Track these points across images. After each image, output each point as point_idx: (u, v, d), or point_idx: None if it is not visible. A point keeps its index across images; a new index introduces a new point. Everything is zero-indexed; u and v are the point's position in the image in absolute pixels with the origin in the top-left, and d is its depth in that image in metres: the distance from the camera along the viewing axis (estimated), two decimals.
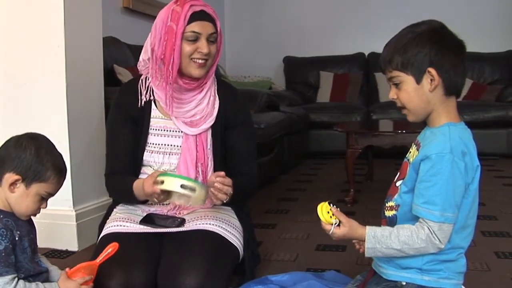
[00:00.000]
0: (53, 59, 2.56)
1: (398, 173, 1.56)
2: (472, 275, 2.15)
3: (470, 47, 5.44)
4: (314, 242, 2.69)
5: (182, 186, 1.69)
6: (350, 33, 6.76)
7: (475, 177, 1.45)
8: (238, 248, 1.95)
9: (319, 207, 1.52)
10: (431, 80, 1.42)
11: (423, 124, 1.54)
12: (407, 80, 1.45)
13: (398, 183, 1.53)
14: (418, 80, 1.44)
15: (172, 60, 1.88)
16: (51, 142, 1.63)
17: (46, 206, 1.62)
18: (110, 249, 1.65)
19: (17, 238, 1.54)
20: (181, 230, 1.90)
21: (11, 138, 1.58)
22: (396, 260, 1.49)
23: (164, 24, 1.89)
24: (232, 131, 2.08)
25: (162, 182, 1.72)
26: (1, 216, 1.54)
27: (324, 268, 2.23)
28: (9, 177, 1.53)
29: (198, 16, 1.88)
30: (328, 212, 1.51)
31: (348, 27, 6.78)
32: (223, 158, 2.08)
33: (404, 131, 3.52)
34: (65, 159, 1.64)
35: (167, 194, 1.77)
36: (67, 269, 1.63)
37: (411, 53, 1.43)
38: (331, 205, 1.53)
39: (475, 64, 6.23)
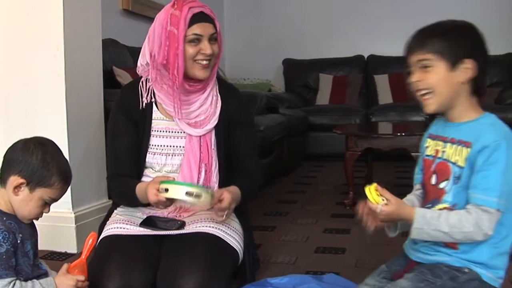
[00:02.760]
0: (52, 61, 2.56)
1: (435, 175, 1.54)
2: None
3: None
4: (313, 245, 2.69)
5: (187, 193, 1.69)
6: (350, 36, 6.76)
7: None
8: (238, 251, 1.95)
9: (367, 188, 1.47)
10: (466, 71, 1.42)
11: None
12: (439, 65, 1.44)
13: (442, 185, 1.51)
14: (452, 68, 1.43)
15: (177, 65, 1.88)
16: (58, 148, 1.63)
17: (49, 211, 1.62)
18: (90, 240, 1.67)
19: (19, 241, 1.54)
20: (181, 232, 1.90)
21: (19, 141, 1.59)
22: (461, 254, 1.46)
23: (164, 29, 1.88)
24: (234, 131, 2.08)
25: (166, 190, 1.72)
26: (4, 219, 1.54)
27: (324, 270, 2.23)
28: (14, 180, 1.54)
29: (198, 18, 1.88)
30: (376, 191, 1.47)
31: (348, 30, 6.78)
32: (227, 158, 2.08)
33: (403, 134, 3.52)
34: None
35: (172, 200, 1.77)
36: (65, 265, 1.64)
37: (452, 41, 1.43)
38: (379, 186, 1.48)
39: None
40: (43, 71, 2.59)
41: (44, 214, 1.62)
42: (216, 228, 1.92)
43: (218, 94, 2.07)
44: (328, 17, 6.83)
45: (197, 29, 1.88)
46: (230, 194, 1.83)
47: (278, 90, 6.59)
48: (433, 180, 1.54)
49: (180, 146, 2.01)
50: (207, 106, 2.02)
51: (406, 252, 1.61)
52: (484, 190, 1.39)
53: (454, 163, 1.48)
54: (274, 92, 6.24)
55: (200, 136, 2.00)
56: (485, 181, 1.39)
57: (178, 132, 2.01)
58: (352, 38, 6.74)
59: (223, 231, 1.93)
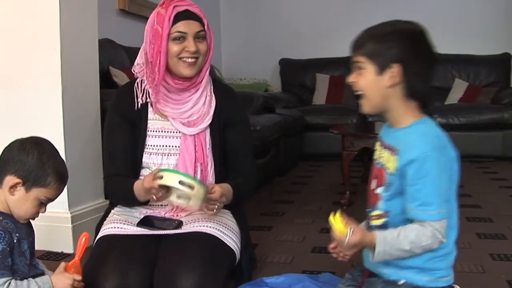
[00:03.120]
0: (48, 60, 2.56)
1: (375, 180, 1.55)
2: (467, 277, 2.16)
3: (466, 50, 5.52)
4: (309, 245, 2.69)
5: (180, 182, 1.70)
6: (346, 36, 6.67)
7: (455, 167, 1.46)
8: (235, 250, 1.95)
9: (331, 218, 1.46)
10: (393, 76, 1.43)
11: None
12: (369, 69, 1.45)
13: (378, 191, 1.52)
14: (380, 72, 1.44)
15: (158, 62, 1.90)
16: (55, 148, 1.63)
17: (45, 210, 1.62)
18: (84, 238, 1.67)
19: (15, 241, 1.54)
20: (178, 232, 1.91)
21: (15, 141, 1.59)
22: (396, 262, 1.48)
23: (151, 28, 1.92)
24: (229, 130, 2.09)
25: (162, 177, 1.73)
26: (1, 218, 1.54)
27: (320, 270, 2.23)
28: (10, 179, 1.54)
29: (183, 16, 1.90)
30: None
31: (344, 29, 6.75)
32: (223, 157, 2.09)
33: None
34: None
35: (166, 191, 1.77)
36: (62, 263, 1.65)
37: (383, 45, 1.44)
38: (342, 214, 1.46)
39: (470, 67, 6.26)
40: (39, 71, 2.59)
41: (40, 214, 1.62)
42: (213, 228, 1.92)
43: (213, 94, 2.07)
44: (324, 17, 6.84)
45: (181, 26, 1.89)
46: (220, 188, 1.84)
47: (274, 90, 6.59)
48: (373, 184, 1.56)
49: (175, 146, 2.01)
50: (200, 106, 2.03)
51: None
52: (422, 205, 1.39)
53: (387, 170, 1.49)
54: (271, 92, 6.24)
55: (195, 136, 2.01)
56: (421, 195, 1.39)
57: (173, 132, 2.02)
58: (349, 38, 6.58)
59: (220, 230, 1.93)
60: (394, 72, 1.42)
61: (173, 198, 1.79)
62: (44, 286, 1.55)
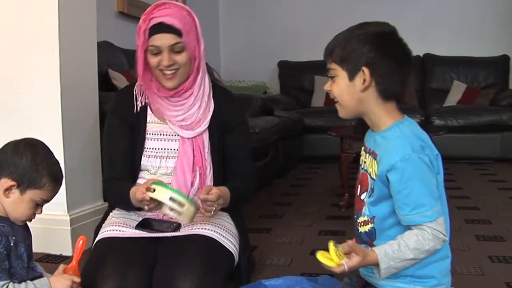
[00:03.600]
0: (47, 63, 2.56)
1: (359, 186, 1.53)
2: (466, 279, 2.16)
3: (465, 51, 5.52)
4: (308, 247, 2.69)
5: (171, 198, 1.71)
6: None
7: (439, 166, 1.44)
8: (234, 253, 1.95)
9: (319, 256, 1.42)
10: (364, 80, 1.42)
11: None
12: (341, 75, 1.45)
13: (362, 196, 1.51)
14: (351, 77, 1.43)
15: (149, 73, 1.93)
16: (48, 149, 1.63)
17: (41, 212, 1.62)
18: (81, 242, 1.67)
19: (12, 244, 1.53)
20: (177, 234, 1.90)
21: (9, 143, 1.59)
22: None
23: (136, 39, 1.93)
24: (227, 133, 2.09)
25: (154, 190, 1.73)
26: None
27: (319, 273, 2.22)
28: (4, 182, 1.54)
29: (157, 29, 1.88)
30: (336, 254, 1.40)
31: None
32: (222, 161, 2.09)
33: None
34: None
35: (158, 204, 1.77)
36: (61, 265, 1.65)
37: (351, 49, 1.42)
38: (336, 245, 1.41)
39: (469, 68, 6.26)
40: (38, 73, 2.58)
41: (39, 216, 1.62)
42: (211, 230, 1.92)
43: (211, 99, 2.07)
44: (323, 19, 6.83)
45: (155, 40, 1.89)
46: (218, 190, 1.84)
47: (273, 92, 6.59)
48: (358, 190, 1.54)
49: (173, 149, 2.01)
50: (194, 111, 2.02)
51: None
52: (415, 208, 1.37)
53: (370, 175, 1.48)
54: (270, 94, 6.24)
55: (193, 139, 2.01)
56: (411, 200, 1.37)
57: (171, 135, 2.02)
58: None
59: (219, 233, 1.93)
60: (364, 75, 1.41)
61: (164, 209, 1.79)
62: (42, 287, 1.55)
